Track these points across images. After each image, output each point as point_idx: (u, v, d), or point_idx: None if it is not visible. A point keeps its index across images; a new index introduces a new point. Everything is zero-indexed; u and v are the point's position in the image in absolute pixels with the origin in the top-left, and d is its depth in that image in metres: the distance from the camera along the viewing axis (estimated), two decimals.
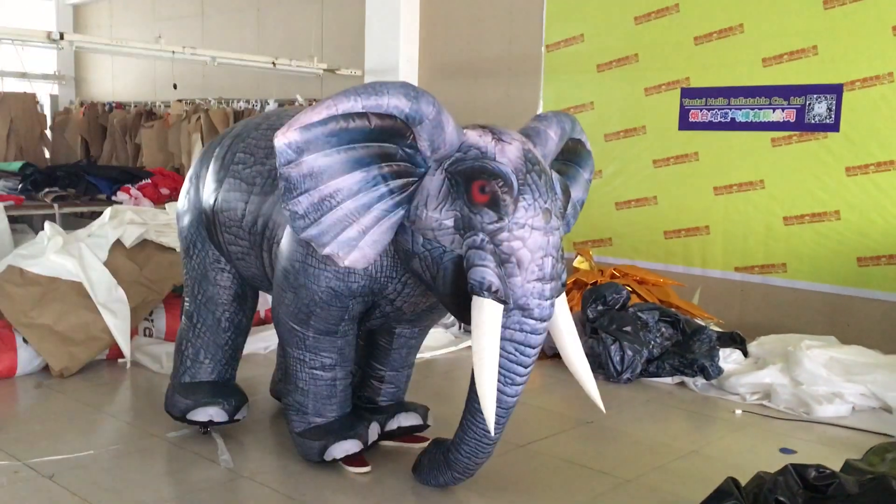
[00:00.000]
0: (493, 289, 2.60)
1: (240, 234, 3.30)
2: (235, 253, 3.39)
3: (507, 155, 2.69)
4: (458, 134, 2.74)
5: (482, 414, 2.73)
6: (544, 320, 2.70)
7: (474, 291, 2.62)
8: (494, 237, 2.62)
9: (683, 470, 3.42)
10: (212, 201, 3.41)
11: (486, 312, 2.60)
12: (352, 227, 2.72)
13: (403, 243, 2.80)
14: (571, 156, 3.27)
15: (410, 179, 2.74)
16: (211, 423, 3.52)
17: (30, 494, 3.00)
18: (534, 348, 2.73)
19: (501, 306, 2.63)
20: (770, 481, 2.44)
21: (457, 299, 2.73)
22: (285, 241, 3.06)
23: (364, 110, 2.62)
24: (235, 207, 3.29)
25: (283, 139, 2.61)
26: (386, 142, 2.69)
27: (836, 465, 2.54)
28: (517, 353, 2.71)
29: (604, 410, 3.00)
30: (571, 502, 3.07)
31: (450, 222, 2.68)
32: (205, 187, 3.48)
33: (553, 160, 3.11)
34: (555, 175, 2.80)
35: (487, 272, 2.60)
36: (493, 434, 2.76)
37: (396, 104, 2.63)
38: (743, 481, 2.56)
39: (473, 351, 2.65)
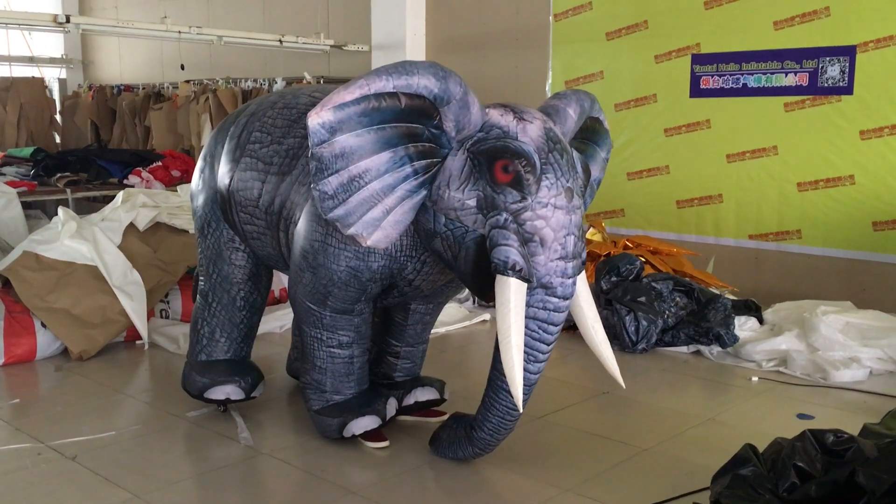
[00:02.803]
0: (518, 268, 2.60)
1: (256, 213, 3.30)
2: (251, 233, 3.39)
3: (529, 134, 2.68)
4: (481, 114, 2.73)
5: (506, 391, 2.75)
6: (567, 298, 2.71)
7: (498, 270, 2.62)
8: (518, 216, 2.62)
9: (701, 438, 3.42)
10: (227, 181, 3.40)
11: (511, 291, 2.61)
12: (376, 208, 2.72)
13: (425, 223, 2.79)
14: (589, 134, 3.26)
15: (434, 160, 2.73)
16: (228, 400, 3.55)
17: (53, 475, 3.04)
18: (557, 326, 2.74)
19: (526, 285, 2.64)
20: (788, 447, 2.44)
21: (478, 278, 2.73)
22: (303, 222, 3.05)
23: (395, 90, 2.61)
24: (252, 187, 3.28)
25: (317, 119, 2.60)
26: (414, 122, 2.68)
27: (854, 430, 2.53)
28: (540, 331, 2.72)
29: (623, 386, 3.01)
30: (589, 472, 3.08)
31: (472, 202, 2.68)
32: (219, 167, 3.47)
33: (571, 139, 3.10)
34: (575, 154, 2.80)
35: (511, 251, 2.60)
36: (520, 411, 2.77)
37: (426, 84, 2.61)
38: (761, 448, 2.56)
39: (499, 330, 2.66)
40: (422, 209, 2.79)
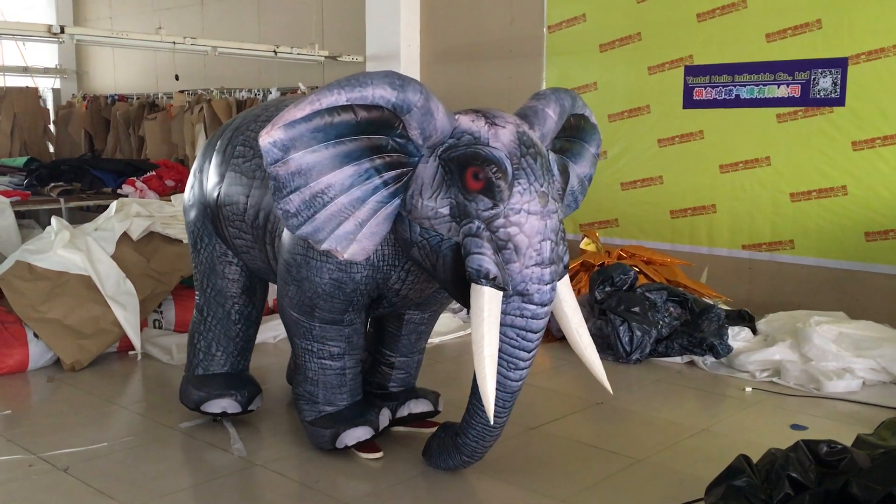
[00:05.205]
0: (491, 276, 2.57)
1: (243, 227, 3.30)
2: (241, 246, 3.39)
3: (501, 139, 2.65)
4: (449, 120, 2.70)
5: None
6: (545, 305, 2.67)
7: (472, 279, 2.60)
8: (490, 224, 2.59)
9: (694, 448, 3.42)
10: (215, 195, 3.40)
11: (485, 300, 2.58)
12: (348, 222, 2.69)
13: (402, 232, 2.78)
14: (575, 132, 3.23)
15: (404, 169, 2.71)
16: (225, 414, 3.54)
17: (45, 487, 3.02)
18: (536, 333, 2.71)
19: (500, 293, 2.60)
20: (782, 458, 2.44)
21: (458, 285, 2.71)
22: (287, 235, 3.05)
23: (349, 103, 2.58)
24: (237, 201, 3.28)
25: (268, 138, 2.57)
26: (375, 133, 2.64)
27: (847, 441, 2.54)
28: (519, 339, 2.69)
29: (611, 391, 2.98)
30: (583, 483, 3.08)
31: (445, 210, 2.65)
32: (208, 181, 3.48)
33: (555, 138, 3.09)
34: (552, 156, 2.76)
35: (484, 260, 2.57)
36: (492, 422, 2.74)
37: (382, 94, 2.58)
38: (754, 458, 2.56)
39: (473, 339, 2.63)
40: (398, 218, 2.76)
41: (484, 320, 2.58)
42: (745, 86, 5.58)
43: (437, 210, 2.66)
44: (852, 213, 5.25)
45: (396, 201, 2.73)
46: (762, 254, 5.65)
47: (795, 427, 3.66)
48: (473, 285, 2.61)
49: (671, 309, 4.81)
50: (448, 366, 4.62)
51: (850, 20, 5.14)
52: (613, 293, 4.87)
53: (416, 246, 2.75)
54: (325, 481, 3.08)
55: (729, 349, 4.58)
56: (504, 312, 2.65)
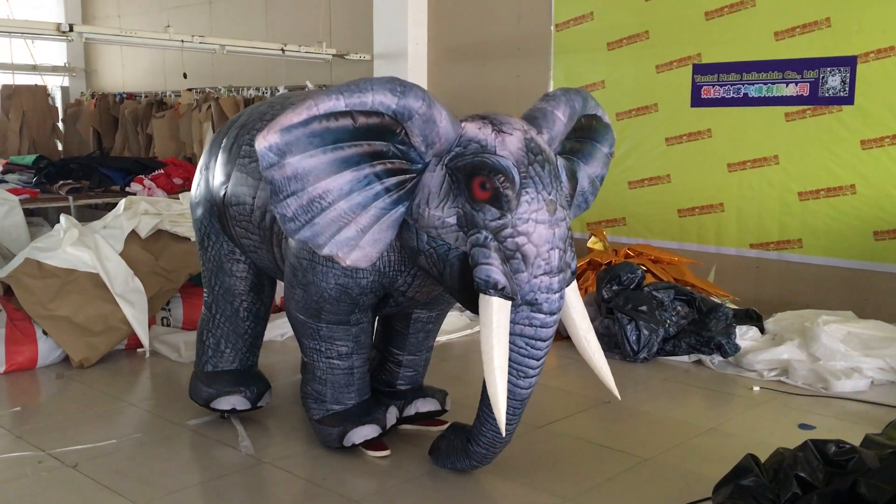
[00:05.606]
0: (500, 286, 2.56)
1: (250, 228, 3.29)
2: (248, 246, 3.39)
3: (508, 147, 2.61)
4: (454, 127, 2.66)
5: None
6: (554, 314, 2.66)
7: (480, 289, 2.59)
8: (498, 234, 2.57)
9: (702, 448, 3.42)
10: (221, 194, 3.39)
11: (493, 311, 2.57)
12: (349, 227, 2.66)
13: (409, 241, 2.76)
14: (587, 132, 3.20)
15: (407, 176, 2.68)
16: (234, 411, 3.55)
17: (54, 484, 3.04)
18: (545, 341, 2.69)
19: (509, 303, 2.59)
20: (790, 457, 2.44)
21: (466, 293, 2.68)
22: (292, 239, 3.04)
23: (347, 108, 2.55)
24: (244, 202, 3.27)
25: (264, 142, 2.54)
26: (375, 139, 2.61)
27: (855, 440, 2.53)
28: (528, 348, 2.68)
29: (619, 397, 2.98)
30: (590, 482, 3.08)
31: (452, 220, 2.63)
32: (214, 179, 3.47)
33: (566, 139, 3.06)
34: (561, 162, 2.74)
35: (492, 270, 2.55)
36: (504, 435, 2.74)
37: (382, 100, 2.55)
38: (762, 458, 2.56)
39: (482, 350, 2.61)
40: (405, 227, 2.74)
41: (493, 331, 2.56)
42: (753, 84, 5.57)
43: (444, 219, 2.64)
44: (861, 213, 5.23)
45: (401, 209, 2.70)
46: (770, 253, 5.63)
47: (803, 426, 3.65)
48: (482, 296, 2.60)
49: (679, 308, 4.80)
50: (455, 364, 4.63)
51: (859, 18, 5.12)
52: (621, 292, 4.87)
53: (424, 254, 2.74)
54: (333, 479, 3.09)
55: (737, 348, 4.57)
56: (513, 322, 2.63)
